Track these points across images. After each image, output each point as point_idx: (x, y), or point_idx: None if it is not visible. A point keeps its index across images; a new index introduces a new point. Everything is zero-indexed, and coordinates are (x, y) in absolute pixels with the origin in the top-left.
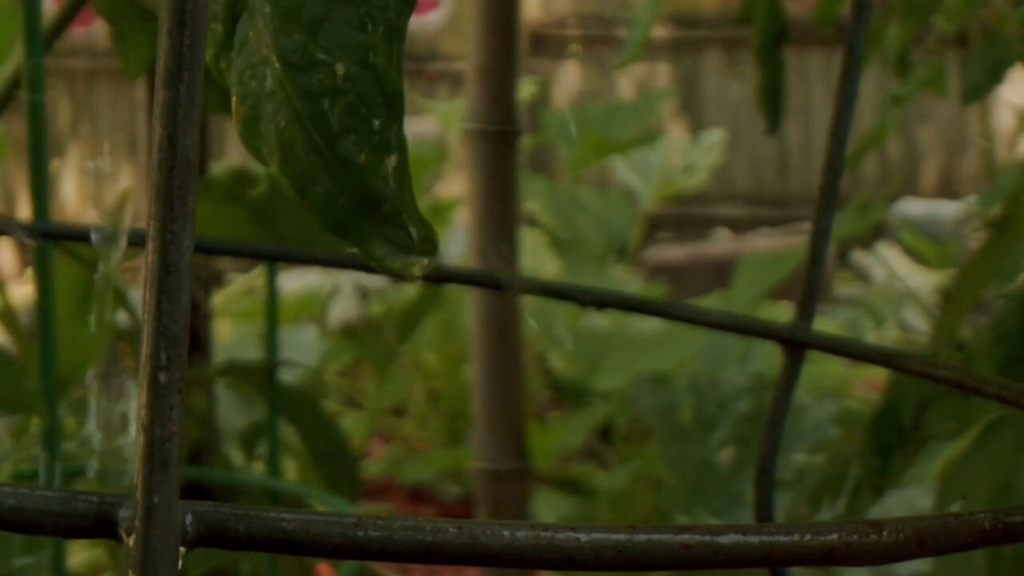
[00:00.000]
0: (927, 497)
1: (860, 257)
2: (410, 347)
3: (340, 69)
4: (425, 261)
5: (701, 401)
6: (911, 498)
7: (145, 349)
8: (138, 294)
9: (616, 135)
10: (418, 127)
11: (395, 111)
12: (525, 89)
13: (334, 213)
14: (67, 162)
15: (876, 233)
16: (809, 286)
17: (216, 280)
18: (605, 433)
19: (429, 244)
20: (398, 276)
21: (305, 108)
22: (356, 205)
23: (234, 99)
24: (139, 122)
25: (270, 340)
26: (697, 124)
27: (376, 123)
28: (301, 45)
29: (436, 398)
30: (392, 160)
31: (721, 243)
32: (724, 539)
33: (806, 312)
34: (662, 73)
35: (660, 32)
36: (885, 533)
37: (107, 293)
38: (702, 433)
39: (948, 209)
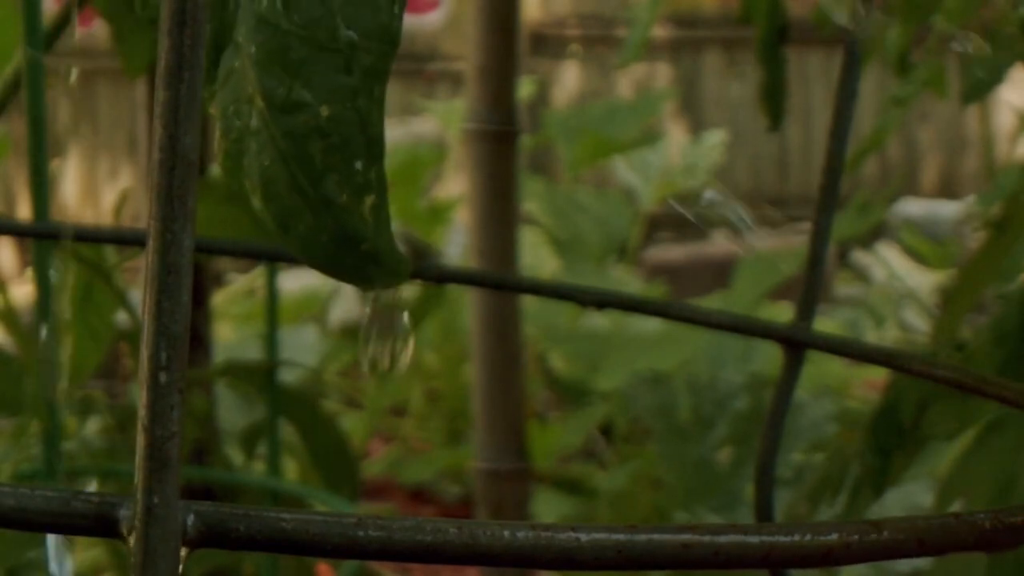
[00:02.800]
0: (927, 494)
1: (860, 257)
2: None
3: (325, 111)
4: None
5: (699, 400)
6: (911, 494)
7: (145, 349)
8: (138, 294)
9: (616, 135)
10: (418, 127)
11: (376, 152)
12: (525, 89)
13: (316, 250)
14: (67, 162)
15: (876, 233)
16: (809, 286)
17: (216, 280)
18: (605, 433)
19: (402, 277)
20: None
21: (289, 148)
22: (336, 243)
23: (218, 133)
24: (139, 122)
25: (270, 340)
26: (697, 124)
27: (358, 164)
28: (286, 87)
29: (436, 398)
30: (371, 199)
31: (721, 243)
32: (724, 539)
33: (806, 312)
34: (662, 73)
35: (660, 32)
36: (885, 533)
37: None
38: (700, 432)
39: (948, 209)
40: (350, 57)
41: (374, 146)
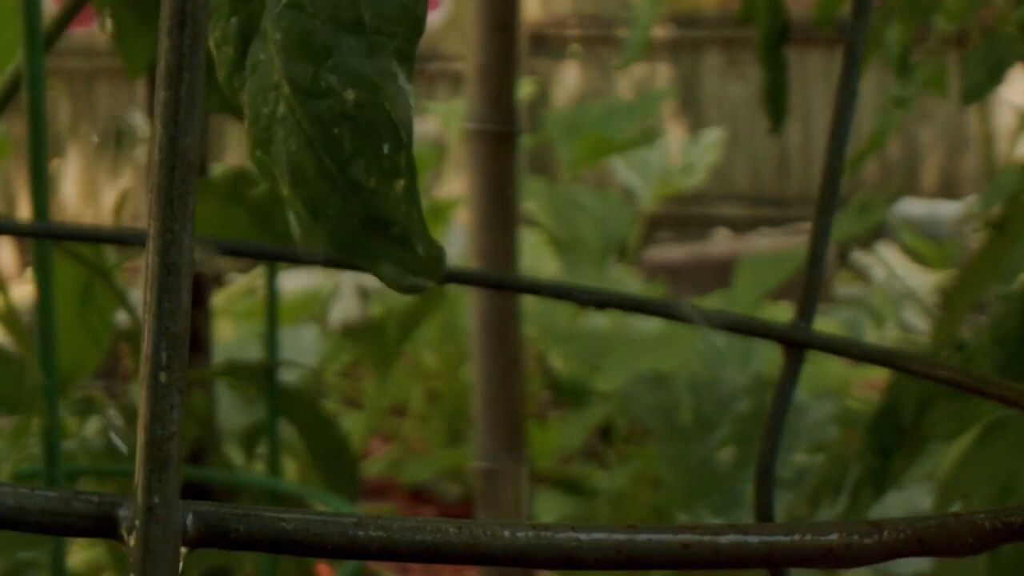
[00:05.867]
0: (927, 497)
1: (860, 257)
2: (410, 347)
3: (350, 96)
4: (430, 282)
5: (700, 400)
6: (911, 497)
7: (145, 349)
8: (138, 294)
9: (616, 135)
10: (418, 127)
11: (404, 136)
12: (525, 89)
13: (345, 235)
14: (67, 162)
15: (876, 233)
16: (809, 286)
17: (216, 280)
18: (605, 433)
19: (437, 264)
20: (408, 292)
21: (316, 133)
22: (366, 228)
23: (247, 121)
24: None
25: (270, 340)
26: (697, 124)
27: (386, 148)
28: (311, 73)
29: (436, 398)
30: (401, 183)
31: (721, 243)
32: (724, 539)
33: (806, 312)
34: (662, 73)
35: (660, 32)
36: (885, 533)
37: None
38: (701, 433)
39: (948, 209)
40: (375, 41)
41: (401, 130)
